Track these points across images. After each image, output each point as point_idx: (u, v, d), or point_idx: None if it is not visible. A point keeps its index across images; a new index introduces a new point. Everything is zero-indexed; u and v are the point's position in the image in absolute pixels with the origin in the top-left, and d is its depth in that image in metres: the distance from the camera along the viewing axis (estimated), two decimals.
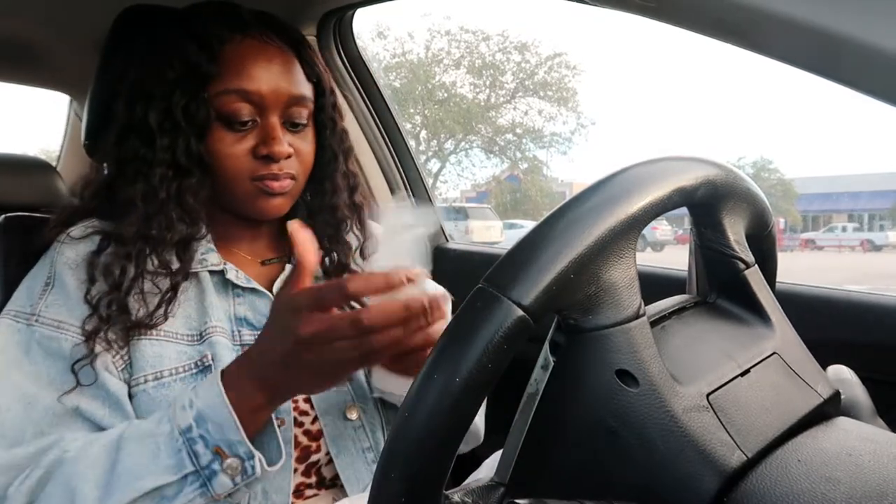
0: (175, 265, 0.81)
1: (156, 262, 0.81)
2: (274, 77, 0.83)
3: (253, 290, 0.87)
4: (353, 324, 0.65)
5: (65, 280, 0.80)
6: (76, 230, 0.84)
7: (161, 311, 0.80)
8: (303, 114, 0.87)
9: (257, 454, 0.71)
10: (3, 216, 1.20)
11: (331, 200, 0.94)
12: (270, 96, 0.83)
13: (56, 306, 0.79)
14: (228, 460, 0.69)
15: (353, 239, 0.96)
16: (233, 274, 0.86)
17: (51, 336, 0.77)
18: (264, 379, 0.71)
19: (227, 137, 0.82)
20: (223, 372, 0.72)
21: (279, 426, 0.77)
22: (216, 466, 0.69)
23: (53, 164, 1.86)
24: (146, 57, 0.86)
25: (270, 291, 0.89)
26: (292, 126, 0.86)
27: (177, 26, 0.86)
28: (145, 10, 1.05)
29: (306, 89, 0.87)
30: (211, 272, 0.86)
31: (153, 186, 0.80)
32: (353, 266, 0.95)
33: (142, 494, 0.68)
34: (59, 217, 0.86)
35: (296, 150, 0.85)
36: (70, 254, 0.82)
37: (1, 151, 1.63)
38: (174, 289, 0.81)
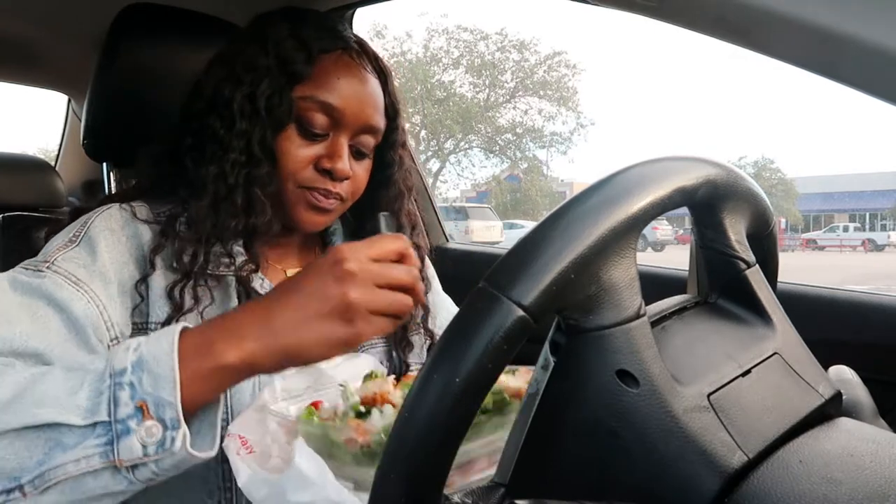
0: (240, 258, 0.83)
1: (221, 250, 0.81)
2: (358, 100, 0.85)
3: None
4: (398, 252, 0.65)
5: (96, 245, 0.78)
6: (138, 208, 0.84)
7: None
8: (370, 144, 0.88)
9: (184, 428, 0.59)
10: (1, 215, 1.20)
11: None
12: (350, 117, 0.84)
13: (75, 263, 0.75)
14: (149, 422, 0.58)
15: None
16: (258, 282, 0.86)
17: (61, 286, 0.72)
18: (253, 333, 0.61)
19: (297, 140, 0.83)
20: (196, 325, 0.65)
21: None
22: (132, 424, 0.58)
23: (52, 163, 1.86)
24: (241, 39, 0.88)
25: None
26: (356, 153, 0.87)
27: (279, 21, 0.87)
28: (145, 9, 1.05)
29: (381, 121, 0.88)
30: (236, 277, 0.85)
31: (224, 171, 0.81)
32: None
33: (35, 425, 0.58)
34: (112, 195, 0.88)
35: (353, 174, 0.86)
36: (115, 223, 0.81)
37: (0, 151, 1.64)
38: (242, 282, 0.82)
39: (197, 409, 0.63)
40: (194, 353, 0.60)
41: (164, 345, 0.60)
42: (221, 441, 0.63)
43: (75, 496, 0.59)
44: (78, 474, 0.58)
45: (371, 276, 0.63)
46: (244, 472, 0.63)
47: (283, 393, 0.73)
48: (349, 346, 0.62)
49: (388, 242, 0.66)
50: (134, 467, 0.59)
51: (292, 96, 0.82)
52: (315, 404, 0.70)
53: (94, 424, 0.58)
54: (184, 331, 0.62)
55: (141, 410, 0.58)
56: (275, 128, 0.81)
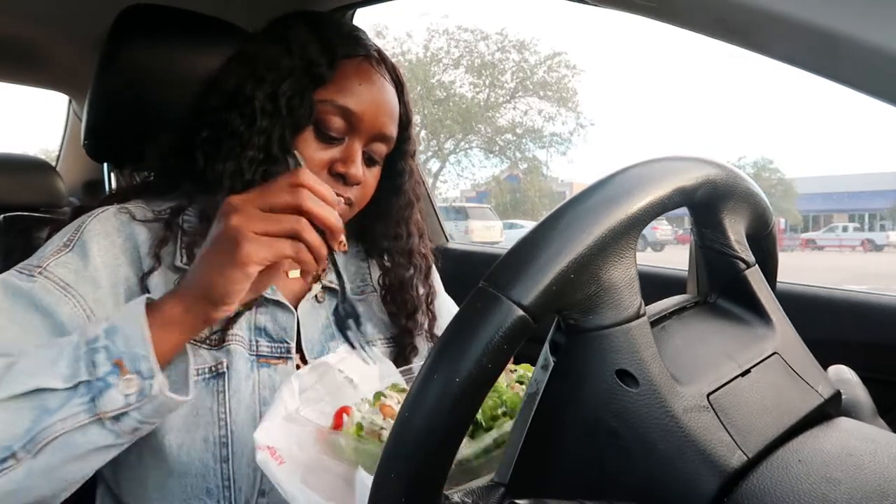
0: None
1: None
2: (376, 107, 0.86)
3: (277, 302, 0.87)
4: (289, 184, 0.68)
5: (89, 249, 0.79)
6: (136, 208, 0.85)
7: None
8: (382, 152, 0.89)
9: (160, 375, 0.66)
10: (2, 216, 1.20)
11: (408, 245, 0.96)
12: (366, 123, 0.85)
13: (66, 268, 0.77)
14: (127, 376, 0.65)
15: (420, 286, 0.98)
16: None
17: (50, 291, 0.75)
18: (184, 285, 0.70)
19: (313, 143, 0.84)
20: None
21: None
22: (112, 379, 0.65)
23: (53, 164, 1.86)
24: (260, 40, 0.88)
25: (294, 307, 0.89)
26: (368, 160, 0.88)
27: (301, 24, 0.87)
28: (146, 10, 1.05)
29: (395, 130, 0.90)
30: None
31: (241, 167, 0.81)
32: (420, 315, 0.97)
33: (21, 394, 0.64)
34: (112, 194, 0.89)
35: (363, 180, 0.87)
36: (111, 226, 0.81)
37: (1, 151, 1.64)
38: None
39: (167, 361, 0.70)
40: (151, 314, 0.68)
41: (132, 311, 0.68)
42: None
43: (66, 454, 0.65)
44: (66, 432, 0.64)
45: (254, 205, 0.67)
46: (301, 500, 0.62)
47: (299, 390, 0.73)
48: (241, 267, 0.66)
49: (280, 178, 0.70)
50: (117, 418, 0.66)
51: (313, 98, 0.82)
52: (345, 410, 0.70)
53: (76, 385, 0.65)
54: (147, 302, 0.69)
55: (118, 367, 0.65)
56: (294, 128, 0.82)
